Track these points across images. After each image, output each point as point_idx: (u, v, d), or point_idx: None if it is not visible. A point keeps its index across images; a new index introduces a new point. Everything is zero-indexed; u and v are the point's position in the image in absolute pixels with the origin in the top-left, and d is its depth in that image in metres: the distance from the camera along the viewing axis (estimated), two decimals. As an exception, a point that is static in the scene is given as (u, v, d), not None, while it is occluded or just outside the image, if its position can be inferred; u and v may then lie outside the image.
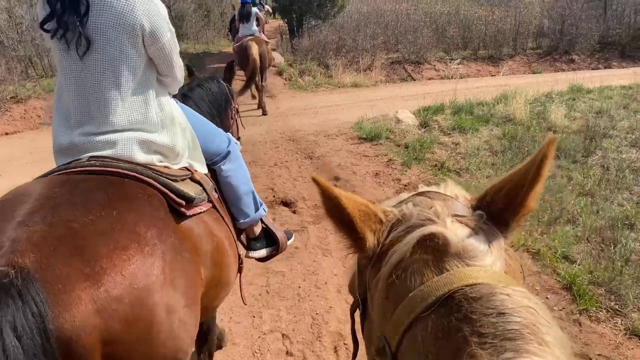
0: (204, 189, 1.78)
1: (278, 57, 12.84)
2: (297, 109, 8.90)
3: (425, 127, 6.49)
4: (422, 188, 0.86)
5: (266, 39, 9.01)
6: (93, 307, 1.13)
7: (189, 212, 1.62)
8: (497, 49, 14.91)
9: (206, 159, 2.01)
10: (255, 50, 7.92)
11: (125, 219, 1.32)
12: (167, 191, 1.55)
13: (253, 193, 2.19)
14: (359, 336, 0.93)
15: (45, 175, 1.53)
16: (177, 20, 18.25)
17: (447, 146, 5.90)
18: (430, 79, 13.28)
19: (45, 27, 1.60)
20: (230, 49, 13.62)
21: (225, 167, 2.08)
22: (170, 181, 1.60)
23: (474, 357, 0.55)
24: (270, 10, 18.57)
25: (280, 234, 2.35)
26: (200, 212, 1.70)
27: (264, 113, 8.41)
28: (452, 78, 12.93)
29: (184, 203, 1.60)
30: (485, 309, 0.59)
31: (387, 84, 12.13)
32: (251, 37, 8.30)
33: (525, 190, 0.71)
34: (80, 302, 1.11)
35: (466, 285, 0.62)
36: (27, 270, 1.07)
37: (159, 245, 1.33)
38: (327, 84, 11.16)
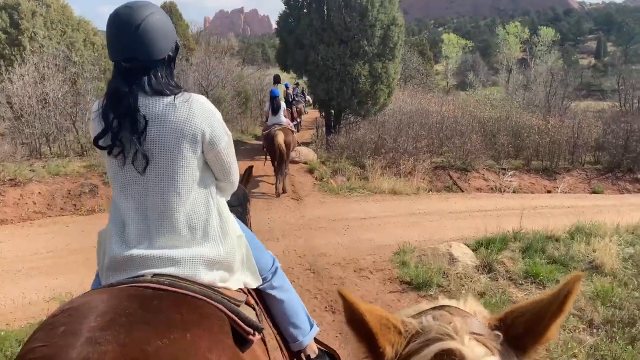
0: (257, 314, 1.73)
1: (311, 154, 11.76)
2: (325, 219, 7.55)
3: (488, 272, 4.95)
4: (443, 301, 0.88)
5: (292, 128, 9.81)
6: None
7: (254, 339, 1.54)
8: (552, 160, 13.51)
9: None
10: (281, 138, 8.73)
11: (199, 345, 1.26)
12: (235, 318, 1.49)
13: (304, 308, 2.09)
14: None
15: (107, 287, 1.45)
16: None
17: (521, 307, 4.33)
18: (478, 189, 11.87)
19: (99, 143, 1.57)
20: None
21: (276, 283, 1.96)
22: (235, 306, 1.55)
23: None
24: (311, 101, 18.06)
25: (335, 348, 2.26)
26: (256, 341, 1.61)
27: (277, 195, 8.88)
28: (504, 191, 11.49)
29: (251, 331, 1.52)
30: None
31: (431, 192, 10.75)
32: (279, 126, 9.10)
33: (547, 322, 0.74)
34: None
35: None
36: None
37: None
38: (362, 188, 9.85)
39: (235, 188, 1.87)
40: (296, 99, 20.87)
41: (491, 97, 20.67)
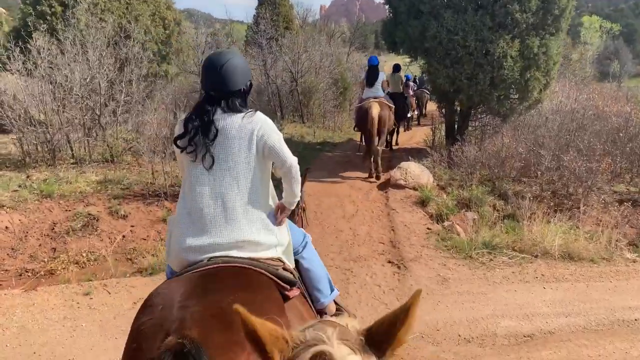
0: (294, 276, 2.17)
1: (423, 174, 7.83)
2: (450, 338, 3.74)
3: None
4: (326, 318, 1.19)
5: (390, 103, 8.58)
6: None
7: (290, 295, 2.07)
8: None
9: None
10: (375, 111, 7.76)
11: (256, 299, 1.77)
12: (275, 278, 2.01)
13: (328, 276, 2.52)
14: None
15: (179, 274, 1.98)
16: (302, 96, 14.45)
17: None
18: (701, 244, 7.18)
19: (178, 143, 2.12)
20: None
21: (306, 255, 2.41)
22: (275, 269, 2.04)
23: None
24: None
25: (351, 311, 2.80)
26: (295, 296, 2.10)
27: (377, 178, 8.17)
28: None
29: (288, 287, 2.06)
30: None
31: (630, 253, 6.33)
32: (374, 99, 8.05)
33: (397, 328, 0.91)
34: None
35: None
36: (196, 341, 1.45)
37: (280, 320, 1.40)
38: (511, 247, 5.80)
39: (296, 172, 2.24)
40: (422, 87, 17.22)
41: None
